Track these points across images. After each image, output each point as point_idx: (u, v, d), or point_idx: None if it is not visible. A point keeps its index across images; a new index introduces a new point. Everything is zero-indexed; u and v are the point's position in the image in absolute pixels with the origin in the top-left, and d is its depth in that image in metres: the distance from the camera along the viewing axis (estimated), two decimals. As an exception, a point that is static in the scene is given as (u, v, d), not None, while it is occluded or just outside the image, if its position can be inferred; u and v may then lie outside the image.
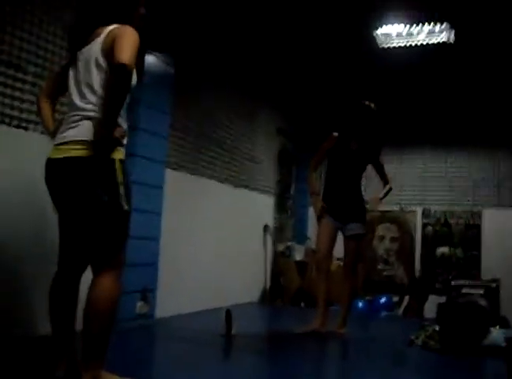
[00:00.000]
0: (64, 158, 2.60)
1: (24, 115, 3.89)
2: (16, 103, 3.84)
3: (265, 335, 5.03)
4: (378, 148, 5.10)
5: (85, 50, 2.70)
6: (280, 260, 7.78)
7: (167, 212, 5.20)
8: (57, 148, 2.65)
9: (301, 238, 8.54)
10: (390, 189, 5.10)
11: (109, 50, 2.57)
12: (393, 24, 6.27)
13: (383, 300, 7.63)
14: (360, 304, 7.30)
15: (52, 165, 2.66)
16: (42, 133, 3.96)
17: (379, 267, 8.36)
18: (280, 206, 8.35)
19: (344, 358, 4.29)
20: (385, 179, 5.14)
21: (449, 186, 8.20)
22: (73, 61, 2.77)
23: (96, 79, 2.63)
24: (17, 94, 3.85)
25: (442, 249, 8.05)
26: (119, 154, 2.64)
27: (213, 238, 6.17)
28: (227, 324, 4.39)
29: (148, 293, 5.00)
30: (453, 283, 7.26)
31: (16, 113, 3.84)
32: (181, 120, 5.63)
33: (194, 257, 5.77)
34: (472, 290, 6.95)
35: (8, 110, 3.79)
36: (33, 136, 3.93)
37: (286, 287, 7.58)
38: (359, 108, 4.95)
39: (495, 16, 5.88)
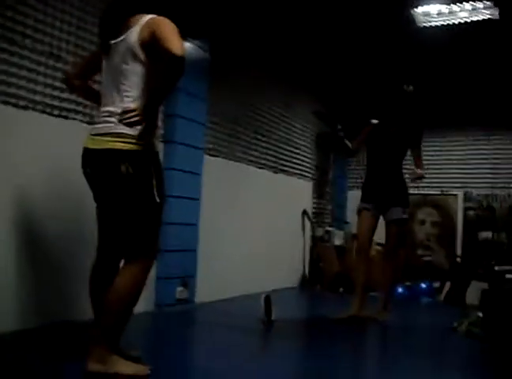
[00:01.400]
0: (101, 149, 2.64)
1: (64, 104, 3.91)
2: (55, 93, 3.86)
3: (304, 320, 5.01)
4: (419, 132, 5.00)
5: (120, 40, 2.67)
6: (319, 246, 7.74)
7: (205, 198, 5.21)
8: (94, 138, 2.69)
9: (340, 222, 8.47)
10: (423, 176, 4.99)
11: (147, 43, 2.58)
12: (431, 3, 6.10)
13: (424, 286, 7.53)
14: (400, 290, 7.22)
15: (89, 155, 2.70)
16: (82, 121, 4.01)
17: (419, 252, 8.25)
18: (319, 191, 8.29)
19: (383, 347, 4.24)
20: (418, 165, 4.98)
21: (491, 169, 8.03)
22: (105, 50, 2.76)
23: (134, 71, 2.64)
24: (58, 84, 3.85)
25: (485, 234, 7.90)
26: (151, 146, 2.69)
27: (252, 224, 6.17)
28: (267, 309, 4.39)
29: (187, 278, 5.02)
30: (496, 268, 7.12)
31: (56, 102, 3.86)
32: (218, 106, 5.61)
33: (233, 243, 5.77)
34: (517, 276, 6.82)
35: (48, 100, 3.81)
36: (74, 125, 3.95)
37: (325, 272, 7.54)
38: (397, 93, 4.89)
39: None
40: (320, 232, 7.94)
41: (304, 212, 7.61)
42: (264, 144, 6.57)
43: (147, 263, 2.68)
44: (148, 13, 2.69)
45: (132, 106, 2.59)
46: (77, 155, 2.76)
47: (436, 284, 7.75)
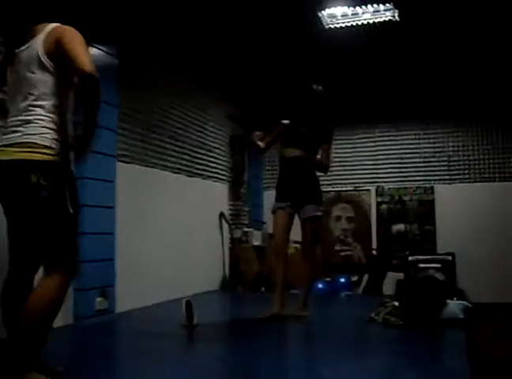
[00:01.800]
0: (10, 160, 2.53)
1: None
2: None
3: (227, 322, 5.02)
4: (329, 130, 5.10)
5: (24, 49, 2.61)
6: (237, 247, 7.77)
7: (120, 205, 5.14)
8: (1, 149, 2.58)
9: (257, 223, 8.54)
10: (320, 164, 5.07)
11: (54, 53, 2.54)
12: (336, 6, 6.28)
13: (343, 280, 7.70)
14: (320, 285, 7.35)
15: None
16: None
17: (337, 248, 8.42)
18: (235, 193, 8.32)
19: (307, 340, 4.31)
20: (324, 161, 5.08)
21: (400, 163, 8.30)
22: (10, 59, 2.67)
23: (42, 80, 2.57)
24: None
25: (398, 227, 8.16)
26: (62, 157, 2.61)
27: (169, 229, 6.13)
28: (188, 314, 4.37)
29: (106, 288, 4.94)
30: (410, 258, 7.37)
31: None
32: (129, 112, 5.55)
33: (151, 249, 5.72)
34: (429, 265, 7.09)
35: None
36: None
37: (245, 272, 7.58)
38: (306, 92, 4.98)
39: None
40: (238, 233, 7.97)
41: (221, 214, 7.62)
42: (178, 149, 6.54)
43: (66, 275, 2.58)
44: (53, 21, 2.63)
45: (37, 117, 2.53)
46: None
47: (354, 278, 7.96)
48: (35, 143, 2.52)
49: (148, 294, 5.54)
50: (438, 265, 7.06)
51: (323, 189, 8.00)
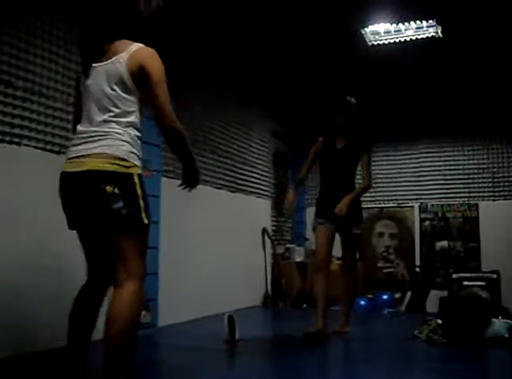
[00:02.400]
0: (83, 171, 2.56)
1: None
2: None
3: (269, 338, 5.03)
4: (367, 145, 4.96)
5: (105, 64, 2.65)
6: (280, 263, 7.79)
7: (164, 220, 5.21)
8: (73, 161, 2.62)
9: (300, 239, 8.55)
10: (364, 189, 4.92)
11: (136, 75, 2.60)
12: (379, 23, 6.30)
13: (385, 297, 7.64)
14: (362, 302, 7.31)
15: (70, 178, 2.62)
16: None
17: (379, 264, 8.37)
18: (278, 209, 8.36)
19: (349, 357, 4.29)
20: (365, 177, 4.92)
21: (443, 179, 8.22)
22: (86, 73, 2.72)
23: (121, 98, 2.62)
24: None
25: (441, 244, 8.07)
26: (137, 169, 2.64)
27: (212, 244, 6.18)
28: (230, 329, 4.40)
29: (150, 302, 5.00)
30: (454, 276, 7.27)
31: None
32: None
33: (194, 264, 5.78)
34: (473, 283, 6.98)
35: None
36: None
37: (287, 289, 7.59)
38: (338, 104, 4.93)
39: (480, 11, 5.91)
40: (281, 249, 7.99)
41: (264, 230, 7.66)
42: (221, 165, 6.61)
43: (138, 285, 2.57)
44: (131, 38, 2.70)
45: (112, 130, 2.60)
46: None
47: (397, 295, 7.88)
48: (111, 154, 2.56)
49: (190, 309, 5.58)
50: (483, 283, 6.94)
51: (366, 205, 7.97)
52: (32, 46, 4.08)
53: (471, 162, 8.10)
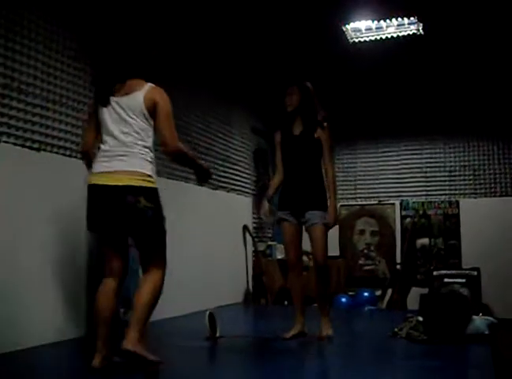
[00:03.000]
0: (120, 186, 3.15)
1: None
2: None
3: (250, 335, 5.00)
4: (323, 125, 4.53)
5: (125, 98, 3.26)
6: (261, 260, 7.77)
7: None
8: (104, 175, 3.19)
9: (281, 236, 8.50)
10: (333, 178, 4.49)
11: (151, 109, 3.26)
12: (361, 20, 6.31)
13: (366, 294, 7.66)
14: (343, 299, 7.32)
15: (102, 190, 3.19)
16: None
17: (360, 262, 8.38)
18: (259, 206, 8.32)
19: (330, 355, 4.28)
20: (326, 164, 4.51)
21: (424, 177, 8.26)
22: (105, 103, 3.29)
23: (141, 126, 3.26)
24: None
25: (422, 241, 8.10)
26: (156, 183, 3.28)
27: (193, 241, 6.14)
28: (211, 326, 4.37)
29: (130, 299, 4.95)
30: (434, 273, 7.31)
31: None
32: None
33: (175, 261, 5.71)
34: (454, 280, 7.02)
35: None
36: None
37: (269, 286, 7.57)
38: (287, 87, 4.69)
39: (461, 8, 5.93)
40: (262, 247, 7.98)
41: (245, 228, 7.64)
42: (202, 162, 6.55)
43: (162, 272, 3.36)
44: (141, 77, 3.35)
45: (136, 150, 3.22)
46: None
47: (378, 292, 7.91)
48: (141, 172, 3.18)
49: (171, 306, 5.52)
50: (463, 280, 6.99)
51: (347, 202, 7.99)
52: (10, 42, 4.01)
53: (452, 159, 8.15)
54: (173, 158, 3.44)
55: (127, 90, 3.29)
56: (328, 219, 4.38)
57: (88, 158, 3.43)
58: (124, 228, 3.28)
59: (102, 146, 3.30)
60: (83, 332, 4.45)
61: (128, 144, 3.21)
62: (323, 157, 4.50)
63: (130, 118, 3.24)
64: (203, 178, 3.72)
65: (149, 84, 3.33)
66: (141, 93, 3.26)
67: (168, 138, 3.28)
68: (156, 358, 3.23)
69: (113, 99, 3.28)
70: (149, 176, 3.22)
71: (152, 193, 3.22)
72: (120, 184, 3.14)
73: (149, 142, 3.29)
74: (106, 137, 3.29)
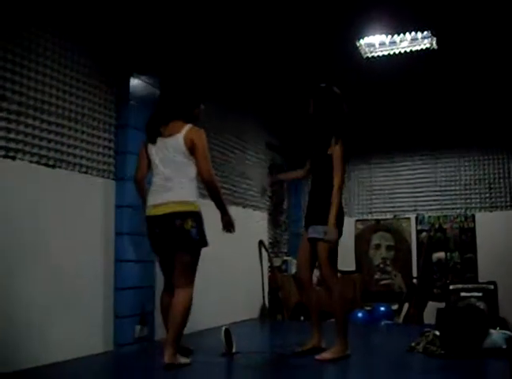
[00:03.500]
0: (169, 212, 3.87)
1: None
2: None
3: (266, 351, 4.98)
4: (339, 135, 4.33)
5: (169, 138, 3.97)
6: (277, 275, 7.77)
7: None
8: (158, 207, 3.93)
9: (297, 252, 8.51)
10: (337, 191, 4.22)
11: (190, 148, 3.93)
12: (374, 34, 6.33)
13: (382, 309, 7.62)
14: (360, 314, 7.29)
15: (158, 219, 3.93)
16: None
17: (376, 276, 8.35)
18: (275, 221, 8.35)
19: (347, 370, 4.26)
20: (334, 176, 4.27)
21: (440, 191, 8.24)
22: (153, 141, 4.01)
23: (183, 161, 3.95)
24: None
25: (438, 255, 8.06)
26: (198, 208, 3.99)
27: (209, 257, 6.13)
28: (227, 342, 4.38)
29: (146, 316, 4.98)
30: (451, 287, 7.27)
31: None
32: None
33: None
34: (470, 294, 6.97)
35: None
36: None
37: (285, 301, 7.56)
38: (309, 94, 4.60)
39: (474, 22, 5.94)
40: (278, 262, 7.97)
41: (261, 243, 7.64)
42: (218, 177, 6.58)
43: (191, 290, 4.01)
44: (183, 119, 4.05)
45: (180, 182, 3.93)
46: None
47: (395, 307, 7.86)
48: (187, 200, 3.92)
49: (187, 322, 5.54)
50: (480, 294, 6.94)
51: (362, 217, 7.99)
52: (25, 60, 4.06)
53: (467, 172, 8.12)
54: (207, 187, 4.04)
55: (171, 131, 3.99)
56: (326, 234, 4.17)
57: (140, 187, 4.19)
58: (173, 248, 3.94)
59: (153, 179, 4.03)
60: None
61: (173, 178, 3.91)
62: (333, 173, 4.26)
63: (173, 156, 3.94)
64: (227, 224, 4.33)
65: (188, 126, 4.01)
66: (181, 135, 3.95)
67: (203, 170, 3.96)
68: (185, 360, 3.96)
69: (160, 140, 3.99)
70: (193, 203, 3.94)
71: (196, 216, 3.94)
72: (167, 212, 3.87)
73: (191, 174, 3.97)
74: (155, 172, 4.02)
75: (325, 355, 4.17)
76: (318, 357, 4.18)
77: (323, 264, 4.25)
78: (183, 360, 3.94)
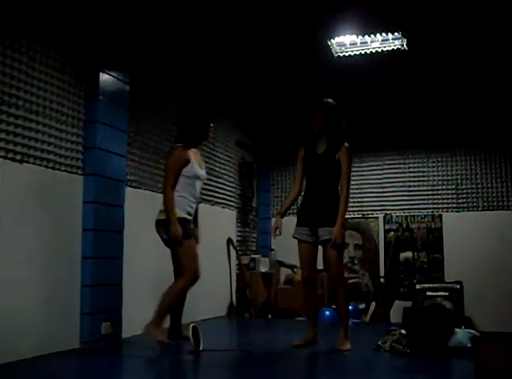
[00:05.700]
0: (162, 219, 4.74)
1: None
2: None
3: (233, 349, 4.98)
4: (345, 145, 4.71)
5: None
6: (245, 273, 7.76)
7: (128, 230, 5.15)
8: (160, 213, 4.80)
9: (265, 250, 8.53)
10: (346, 198, 4.59)
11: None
12: (345, 34, 6.36)
13: (350, 308, 7.64)
14: (327, 312, 7.31)
15: (157, 222, 4.79)
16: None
17: (344, 275, 8.39)
18: (243, 219, 8.34)
19: (313, 368, 4.28)
20: (342, 184, 4.64)
21: (408, 191, 8.32)
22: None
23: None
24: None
25: (406, 254, 8.14)
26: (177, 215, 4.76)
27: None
28: (195, 340, 4.35)
29: (113, 313, 4.93)
30: (417, 286, 7.34)
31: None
32: (138, 137, 5.61)
33: (159, 274, 5.70)
34: (437, 293, 7.05)
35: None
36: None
37: (252, 299, 7.56)
38: (315, 106, 4.80)
39: (445, 24, 6.01)
40: (246, 260, 7.97)
41: (229, 241, 7.63)
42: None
43: (185, 280, 4.74)
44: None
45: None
46: None
47: (362, 305, 7.91)
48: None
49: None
50: (446, 293, 7.03)
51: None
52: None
53: (435, 173, 8.22)
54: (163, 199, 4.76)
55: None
56: (333, 236, 4.46)
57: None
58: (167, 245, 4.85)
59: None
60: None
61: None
62: (341, 177, 4.64)
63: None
64: (172, 236, 4.75)
65: (194, 150, 4.92)
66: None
67: (163, 184, 4.81)
68: (162, 337, 4.50)
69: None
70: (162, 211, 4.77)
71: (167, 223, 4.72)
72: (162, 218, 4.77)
73: (177, 189, 4.78)
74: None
75: (347, 346, 4.56)
76: (342, 348, 4.53)
77: (335, 264, 4.58)
78: (160, 337, 4.46)
